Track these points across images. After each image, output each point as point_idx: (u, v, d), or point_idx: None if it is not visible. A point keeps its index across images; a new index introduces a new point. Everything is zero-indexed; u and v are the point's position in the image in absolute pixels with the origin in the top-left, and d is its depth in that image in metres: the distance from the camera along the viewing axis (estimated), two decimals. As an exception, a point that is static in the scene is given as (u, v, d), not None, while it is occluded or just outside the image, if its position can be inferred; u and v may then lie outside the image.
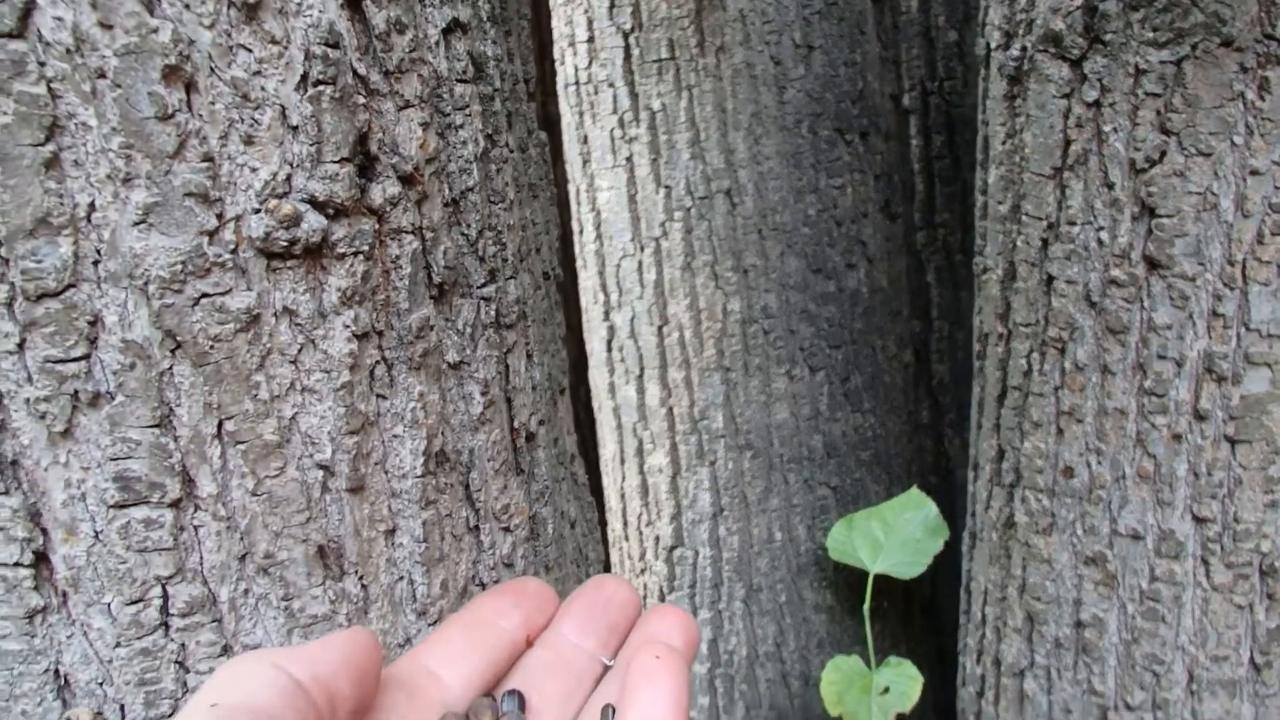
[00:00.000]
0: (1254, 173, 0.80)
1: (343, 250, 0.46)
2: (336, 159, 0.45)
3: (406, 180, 0.48)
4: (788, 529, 1.37)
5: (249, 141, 0.43)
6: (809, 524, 1.38)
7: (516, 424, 0.60)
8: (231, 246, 0.44)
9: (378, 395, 0.49)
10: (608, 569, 0.99)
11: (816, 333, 1.35)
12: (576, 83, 1.34)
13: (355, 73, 0.46)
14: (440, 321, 0.52)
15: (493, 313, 0.55)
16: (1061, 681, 1.00)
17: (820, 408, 1.37)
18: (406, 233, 0.49)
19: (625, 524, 1.46)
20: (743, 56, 1.26)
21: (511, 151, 0.61)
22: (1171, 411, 0.88)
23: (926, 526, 1.27)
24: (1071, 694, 0.99)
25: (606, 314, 1.40)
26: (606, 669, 0.44)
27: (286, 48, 0.43)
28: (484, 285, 0.55)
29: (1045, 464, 0.97)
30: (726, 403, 1.35)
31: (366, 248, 0.47)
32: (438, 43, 0.50)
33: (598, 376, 1.45)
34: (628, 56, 1.29)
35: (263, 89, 0.43)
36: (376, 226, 0.48)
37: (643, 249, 1.34)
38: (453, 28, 0.51)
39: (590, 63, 1.32)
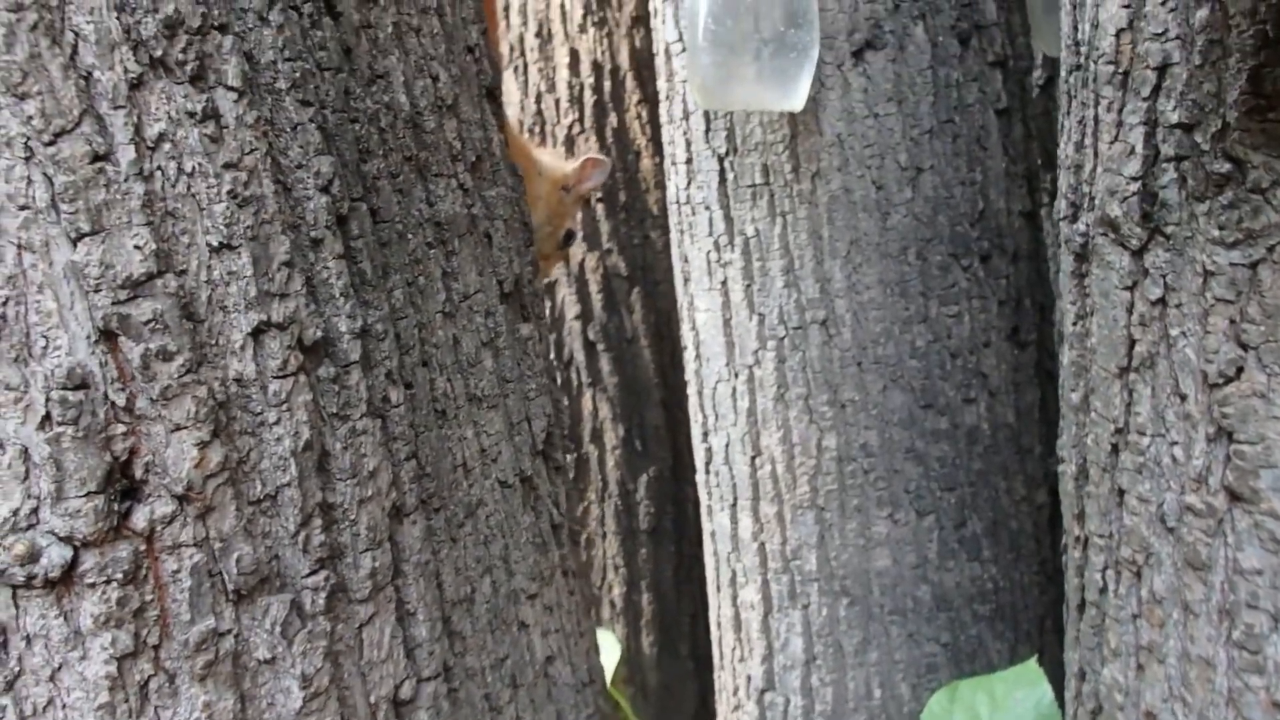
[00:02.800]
0: (1356, 404, 0.64)
1: (93, 580, 0.45)
2: (82, 494, 0.44)
3: (182, 498, 0.47)
4: (889, 686, 1.26)
5: (-11, 480, 0.43)
6: (914, 683, 1.26)
7: (374, 699, 0.57)
8: (-29, 579, 0.44)
9: (156, 707, 0.48)
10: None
11: (925, 473, 1.23)
12: (677, 202, 1.30)
13: (113, 404, 0.45)
14: (246, 621, 0.50)
15: (321, 601, 0.53)
16: None
17: (928, 555, 1.25)
18: (186, 547, 0.47)
19: (721, 655, 1.39)
20: (840, 182, 1.17)
21: (383, 413, 0.59)
22: (1270, 673, 0.72)
23: (1038, 713, 1.12)
24: None
25: (704, 435, 1.34)
26: None
27: (25, 392, 0.43)
28: (311, 574, 0.52)
29: (1126, 701, 0.82)
30: (820, 544, 1.25)
31: (121, 574, 0.46)
32: (242, 346, 0.48)
33: (700, 493, 1.39)
34: (723, 180, 1.23)
35: (2, 431, 0.43)
36: (144, 547, 0.46)
37: (736, 376, 1.27)
38: (263, 329, 0.49)
39: (689, 183, 1.27)
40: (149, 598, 0.47)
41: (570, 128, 1.77)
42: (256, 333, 0.49)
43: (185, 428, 0.46)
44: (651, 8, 1.27)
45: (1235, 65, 0.61)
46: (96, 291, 0.44)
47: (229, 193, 0.48)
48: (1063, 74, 0.78)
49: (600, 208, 1.76)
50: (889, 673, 1.26)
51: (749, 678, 1.33)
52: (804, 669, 1.28)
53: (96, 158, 0.44)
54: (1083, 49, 0.72)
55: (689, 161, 1.26)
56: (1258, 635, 0.71)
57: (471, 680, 0.67)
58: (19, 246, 0.44)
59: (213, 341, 0.47)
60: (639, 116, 1.77)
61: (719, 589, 1.37)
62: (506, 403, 0.74)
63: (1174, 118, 0.66)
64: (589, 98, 1.76)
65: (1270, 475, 0.69)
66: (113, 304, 0.44)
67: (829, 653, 1.27)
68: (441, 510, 0.65)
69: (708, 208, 1.25)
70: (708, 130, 1.23)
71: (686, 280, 1.32)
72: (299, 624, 0.52)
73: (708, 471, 1.35)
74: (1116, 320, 0.75)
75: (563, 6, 1.74)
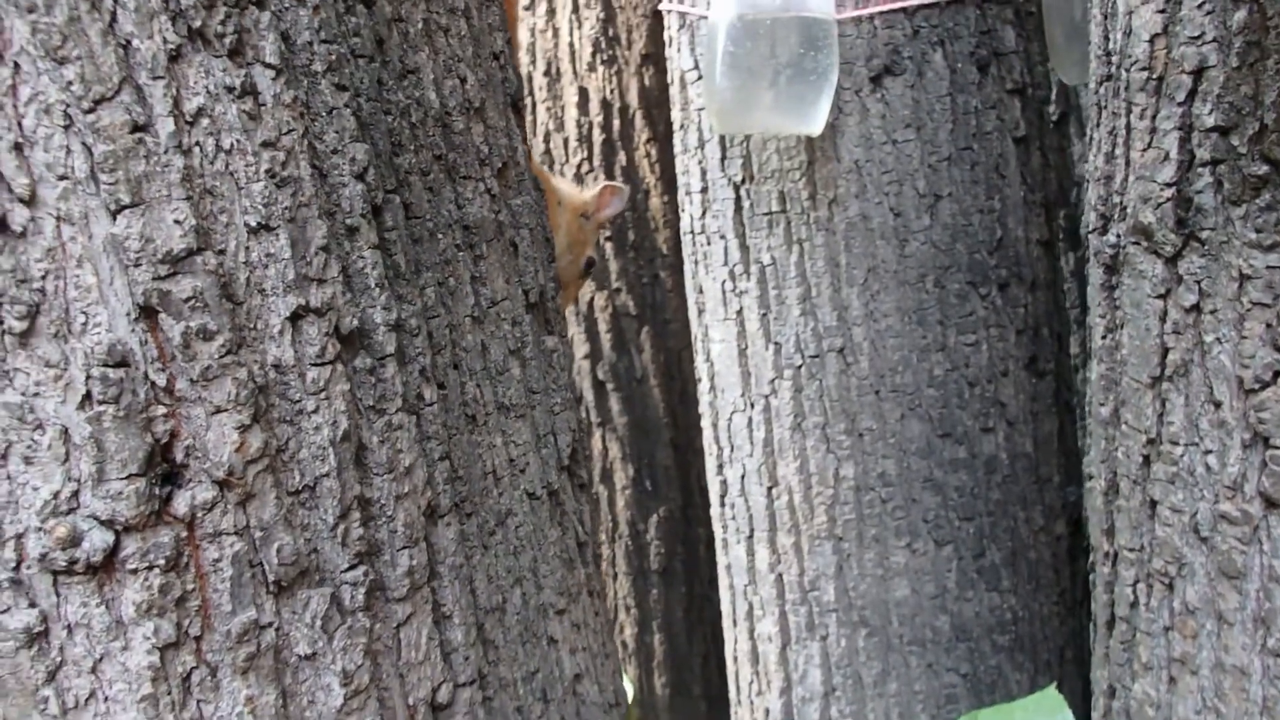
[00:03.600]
0: (1395, 407, 0.63)
1: (134, 565, 0.44)
2: (123, 475, 0.43)
3: (223, 484, 0.46)
4: (908, 717, 1.24)
5: (29, 461, 0.43)
6: (933, 714, 1.23)
7: (412, 700, 0.55)
8: (13, 565, 0.43)
9: (199, 700, 0.46)
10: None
11: (943, 503, 1.22)
12: (691, 232, 1.30)
13: (154, 384, 0.44)
14: (287, 615, 0.49)
15: (360, 597, 0.51)
16: None
17: (947, 585, 1.23)
18: (227, 535, 0.46)
19: (738, 689, 1.36)
20: (858, 209, 1.17)
21: (417, 410, 0.58)
22: (1308, 680, 0.71)
23: (1060, 740, 1.10)
24: None
25: (720, 467, 1.33)
26: None
27: (65, 369, 0.42)
28: (350, 569, 0.51)
29: (1158, 715, 0.81)
30: (839, 574, 1.24)
31: (163, 561, 0.44)
32: (281, 331, 0.48)
33: (715, 527, 1.37)
34: (738, 208, 1.23)
35: (42, 410, 0.42)
36: (185, 534, 0.45)
37: (752, 406, 1.26)
38: (302, 314, 0.48)
39: (704, 213, 1.27)
40: (190, 586, 0.46)
41: (579, 166, 1.78)
42: (295, 317, 0.48)
43: (225, 410, 0.45)
44: (666, 36, 1.28)
45: (1274, 67, 0.61)
46: (136, 266, 0.43)
47: (267, 172, 0.47)
48: (1092, 85, 0.78)
49: (609, 246, 1.76)
50: (908, 704, 1.24)
51: (767, 711, 1.30)
52: (823, 701, 1.26)
53: (136, 128, 0.43)
54: (1114, 58, 0.72)
55: (704, 190, 1.26)
56: (1299, 647, 0.70)
57: (505, 691, 0.65)
58: (58, 218, 0.43)
59: (251, 325, 0.46)
60: (648, 155, 1.78)
61: (735, 622, 1.34)
62: (533, 414, 0.73)
63: (1210, 121, 0.66)
64: (598, 136, 1.77)
65: (1310, 482, 0.68)
66: (153, 279, 0.43)
67: (848, 684, 1.24)
68: (474, 515, 0.63)
69: (723, 236, 1.25)
70: (723, 158, 1.23)
71: (701, 311, 1.32)
72: (339, 619, 0.51)
73: (723, 504, 1.33)
74: (1149, 330, 0.75)
75: (572, 45, 1.76)
